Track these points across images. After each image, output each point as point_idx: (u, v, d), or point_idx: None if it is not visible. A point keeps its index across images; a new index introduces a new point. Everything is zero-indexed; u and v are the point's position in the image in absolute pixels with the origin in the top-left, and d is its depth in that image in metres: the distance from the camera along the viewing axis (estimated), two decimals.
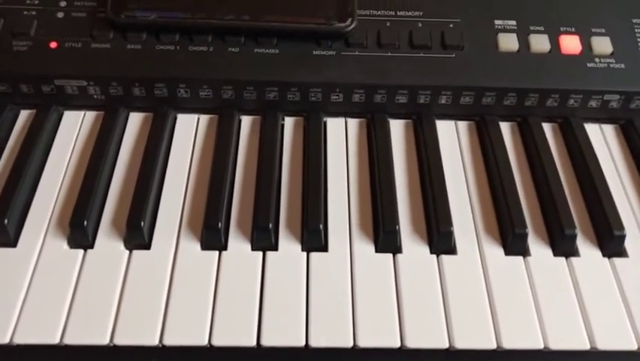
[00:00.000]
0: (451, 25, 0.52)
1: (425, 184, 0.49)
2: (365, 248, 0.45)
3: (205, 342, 0.40)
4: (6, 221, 0.43)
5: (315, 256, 0.44)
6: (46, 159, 0.49)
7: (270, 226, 0.44)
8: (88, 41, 0.50)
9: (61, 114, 0.53)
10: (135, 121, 0.53)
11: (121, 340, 0.40)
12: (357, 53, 0.51)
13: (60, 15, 0.52)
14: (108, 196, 0.47)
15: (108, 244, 0.44)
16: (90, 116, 0.53)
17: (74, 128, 0.52)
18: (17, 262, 0.43)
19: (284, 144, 0.51)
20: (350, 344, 0.40)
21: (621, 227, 0.45)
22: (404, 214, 0.47)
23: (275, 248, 0.45)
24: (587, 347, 0.41)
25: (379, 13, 0.53)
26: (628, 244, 0.46)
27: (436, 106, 0.52)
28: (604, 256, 0.46)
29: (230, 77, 0.50)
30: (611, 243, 0.45)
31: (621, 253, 0.46)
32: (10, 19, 0.51)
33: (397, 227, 0.45)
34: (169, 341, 0.40)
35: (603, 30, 0.53)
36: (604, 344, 0.41)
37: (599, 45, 0.52)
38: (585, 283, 0.44)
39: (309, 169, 0.48)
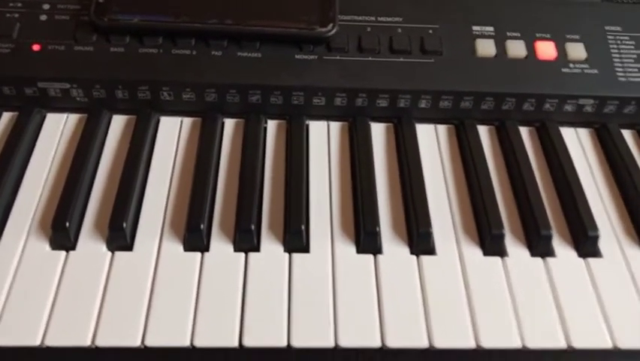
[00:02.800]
0: (430, 31, 0.53)
1: (405, 186, 0.49)
2: (346, 249, 0.45)
3: (187, 343, 0.40)
4: None
5: (296, 256, 0.44)
6: (28, 161, 0.49)
7: (253, 227, 0.44)
8: (71, 44, 0.50)
9: (44, 116, 0.52)
10: (118, 123, 0.53)
11: (103, 341, 0.40)
12: (338, 58, 0.52)
13: (43, 18, 0.52)
14: (90, 198, 0.47)
15: (90, 245, 0.44)
16: (73, 118, 0.53)
17: (57, 130, 0.52)
18: None
19: (267, 147, 0.52)
20: (332, 344, 0.40)
21: (595, 228, 0.46)
22: (385, 216, 0.47)
23: (257, 249, 0.45)
24: (563, 345, 0.41)
25: (360, 18, 0.53)
26: (602, 244, 0.47)
27: (416, 110, 0.53)
28: (579, 256, 0.46)
29: (214, 81, 0.50)
30: (586, 243, 0.46)
31: (596, 253, 0.47)
32: None
33: (378, 228, 0.45)
34: (151, 342, 0.40)
35: (577, 36, 0.54)
36: (580, 343, 0.41)
37: (573, 51, 0.53)
38: (561, 283, 0.44)
39: (292, 171, 0.48)
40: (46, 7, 0.52)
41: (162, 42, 0.51)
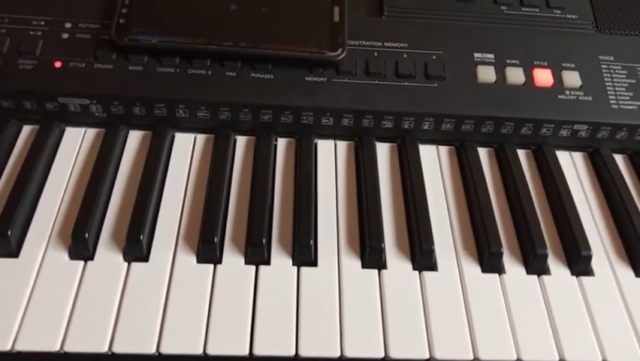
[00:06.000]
0: (434, 57, 0.55)
1: (409, 204, 0.51)
2: (352, 264, 0.47)
3: (200, 351, 0.41)
4: (9, 232, 0.45)
5: (305, 270, 0.46)
6: (48, 173, 0.50)
7: (264, 241, 0.46)
8: (91, 62, 0.52)
9: (63, 130, 0.54)
10: (135, 139, 0.54)
11: (119, 348, 0.41)
12: (346, 81, 0.53)
13: (65, 36, 0.53)
14: (108, 210, 0.49)
15: (108, 255, 0.46)
16: (91, 132, 0.54)
17: (76, 144, 0.53)
18: (19, 271, 0.44)
19: (276, 164, 0.53)
20: (337, 354, 0.42)
21: (588, 248, 0.48)
22: (389, 232, 0.49)
23: (267, 262, 0.46)
24: (555, 358, 0.43)
25: (368, 43, 0.55)
26: (594, 263, 0.49)
27: (419, 131, 0.55)
28: (572, 274, 0.48)
29: (227, 100, 0.52)
30: (579, 262, 0.48)
31: (588, 272, 0.48)
32: (17, 38, 0.52)
33: (382, 244, 0.47)
34: (165, 350, 0.41)
35: (573, 65, 0.56)
36: (571, 356, 0.43)
37: (569, 79, 0.55)
38: (555, 300, 0.46)
39: (301, 188, 0.50)
40: (68, 25, 0.54)
41: (179, 62, 0.52)
